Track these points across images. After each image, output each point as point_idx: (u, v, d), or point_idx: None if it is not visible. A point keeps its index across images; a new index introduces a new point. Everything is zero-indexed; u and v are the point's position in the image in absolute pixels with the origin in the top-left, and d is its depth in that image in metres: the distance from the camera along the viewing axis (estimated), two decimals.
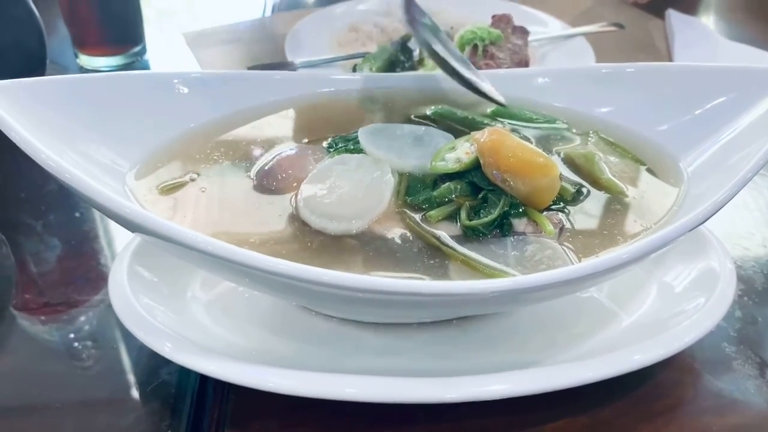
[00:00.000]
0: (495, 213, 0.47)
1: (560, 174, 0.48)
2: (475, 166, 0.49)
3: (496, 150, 0.47)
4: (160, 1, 1.32)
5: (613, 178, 0.52)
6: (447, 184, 0.49)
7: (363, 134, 0.54)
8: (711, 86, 0.54)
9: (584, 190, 0.52)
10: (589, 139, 0.57)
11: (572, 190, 0.51)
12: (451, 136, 0.55)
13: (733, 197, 0.44)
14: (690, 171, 0.51)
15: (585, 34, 1.03)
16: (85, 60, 0.99)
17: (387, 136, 0.54)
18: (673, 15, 1.14)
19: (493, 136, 0.48)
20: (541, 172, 0.47)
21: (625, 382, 0.45)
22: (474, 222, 0.47)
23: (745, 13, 1.24)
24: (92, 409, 0.48)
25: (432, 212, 0.48)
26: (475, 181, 0.49)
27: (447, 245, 0.46)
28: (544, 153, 0.48)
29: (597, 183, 0.52)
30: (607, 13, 1.16)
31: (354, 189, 0.49)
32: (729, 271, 0.50)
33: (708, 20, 1.20)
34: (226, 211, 0.49)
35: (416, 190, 0.50)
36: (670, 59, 1.02)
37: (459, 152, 0.50)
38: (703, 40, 1.08)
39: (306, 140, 0.58)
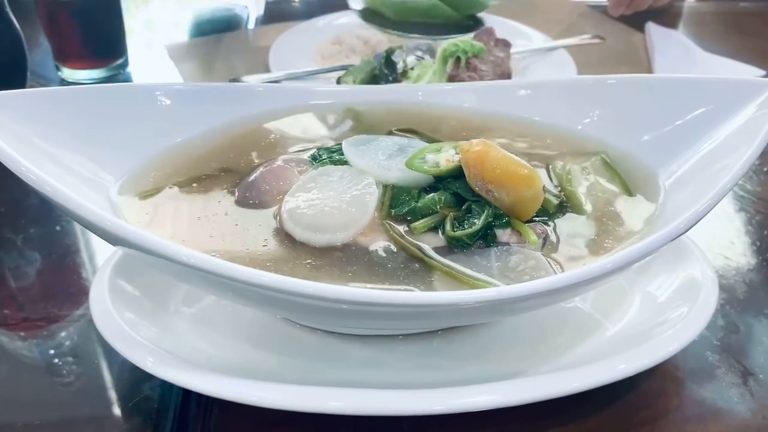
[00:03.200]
0: (479, 224, 0.47)
1: (543, 186, 0.49)
2: (457, 175, 0.49)
3: (481, 161, 0.47)
4: (143, 13, 1.31)
5: (576, 191, 0.53)
6: (431, 195, 0.50)
7: (347, 146, 0.54)
8: (691, 98, 0.55)
9: (567, 204, 0.52)
10: (589, 158, 0.57)
11: (555, 202, 0.51)
12: None
13: (714, 207, 0.44)
14: (671, 181, 0.52)
15: (566, 47, 1.05)
16: (67, 73, 0.98)
17: (371, 148, 0.54)
18: (653, 28, 1.16)
19: (478, 147, 0.48)
20: (525, 184, 0.47)
21: (610, 391, 0.45)
22: (458, 233, 0.47)
23: (723, 26, 1.26)
24: (73, 426, 0.47)
25: (416, 224, 0.48)
26: (459, 192, 0.49)
27: (430, 257, 0.46)
28: (528, 165, 0.48)
29: (566, 195, 0.53)
30: (589, 26, 1.17)
31: (338, 201, 0.49)
32: (711, 281, 0.50)
33: (687, 33, 1.22)
34: (210, 225, 0.49)
35: (401, 202, 0.50)
36: (651, 71, 1.03)
37: (440, 157, 0.50)
38: (682, 52, 1.10)
39: (291, 151, 0.58)
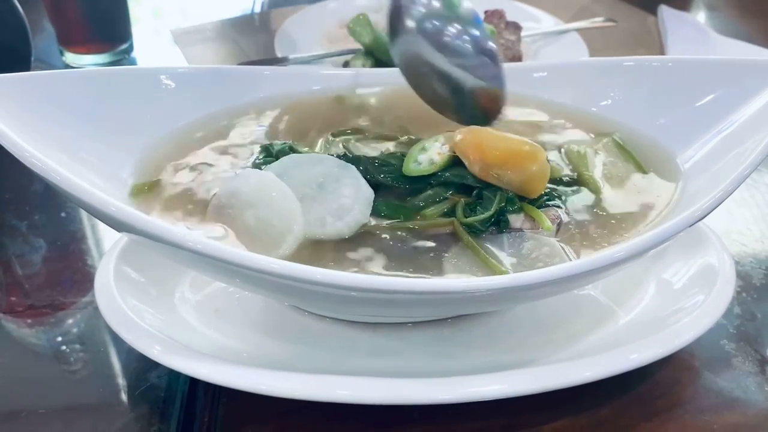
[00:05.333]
0: (491, 209, 0.46)
1: (547, 157, 0.47)
2: (453, 164, 0.48)
3: (478, 146, 0.46)
4: (150, 0, 1.30)
5: (593, 174, 0.52)
6: (435, 189, 0.48)
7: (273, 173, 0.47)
8: (709, 79, 0.53)
9: (582, 188, 0.51)
10: (601, 140, 0.56)
11: (563, 172, 0.51)
12: (357, 178, 0.48)
13: (732, 193, 0.43)
14: (688, 166, 0.51)
15: (578, 30, 1.03)
16: (71, 58, 0.97)
17: (297, 178, 0.47)
18: (665, 11, 1.14)
19: (469, 134, 0.47)
20: (530, 159, 0.46)
21: (624, 380, 0.44)
22: (470, 219, 0.46)
23: (737, 9, 1.24)
24: (79, 414, 0.47)
25: (427, 210, 0.47)
26: (465, 181, 0.48)
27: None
28: (527, 140, 0.47)
29: (580, 178, 0.52)
30: (601, 10, 1.16)
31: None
32: (728, 268, 0.49)
33: (700, 16, 1.20)
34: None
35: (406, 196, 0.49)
36: (663, 55, 1.01)
37: (431, 153, 0.49)
38: (696, 35, 1.08)
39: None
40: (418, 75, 0.54)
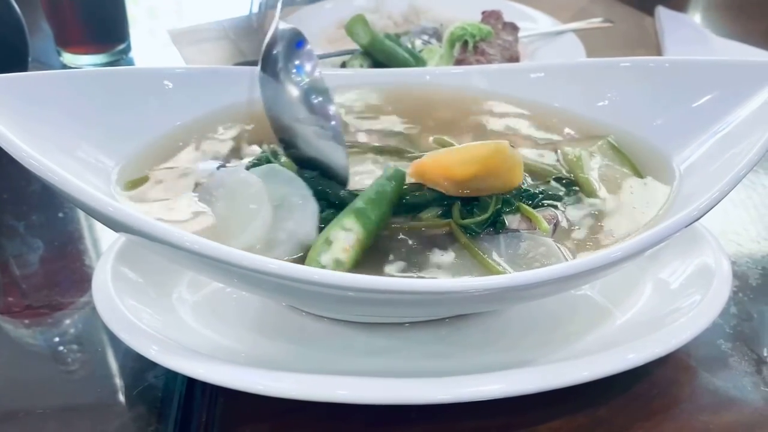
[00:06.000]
0: (488, 211, 0.46)
1: (509, 147, 0.46)
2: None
3: (444, 169, 0.45)
4: (146, 0, 1.30)
5: (589, 176, 0.52)
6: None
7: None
8: (704, 81, 0.53)
9: (579, 190, 0.51)
10: (597, 142, 0.56)
11: (554, 173, 0.51)
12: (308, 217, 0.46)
13: (728, 193, 0.43)
14: (685, 166, 0.51)
15: (575, 31, 1.03)
16: (68, 58, 0.97)
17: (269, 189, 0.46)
18: (663, 12, 1.14)
19: (428, 161, 0.46)
20: (500, 160, 0.45)
21: (621, 380, 0.44)
22: (467, 221, 0.46)
23: (735, 10, 1.24)
24: (76, 414, 0.47)
25: (423, 213, 0.47)
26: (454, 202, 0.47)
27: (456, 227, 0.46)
28: (484, 141, 0.46)
29: (576, 181, 0.52)
30: (598, 10, 1.16)
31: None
32: (724, 268, 0.49)
33: (697, 17, 1.20)
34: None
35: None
36: (661, 56, 1.01)
37: (335, 250, 0.43)
38: (693, 36, 1.08)
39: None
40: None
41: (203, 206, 0.47)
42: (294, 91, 0.54)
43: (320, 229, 0.45)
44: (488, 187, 0.46)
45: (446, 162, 0.46)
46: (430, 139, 0.57)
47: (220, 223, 0.46)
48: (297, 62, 0.55)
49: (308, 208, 0.46)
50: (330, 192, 0.47)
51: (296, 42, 0.55)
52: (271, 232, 0.45)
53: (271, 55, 0.54)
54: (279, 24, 0.55)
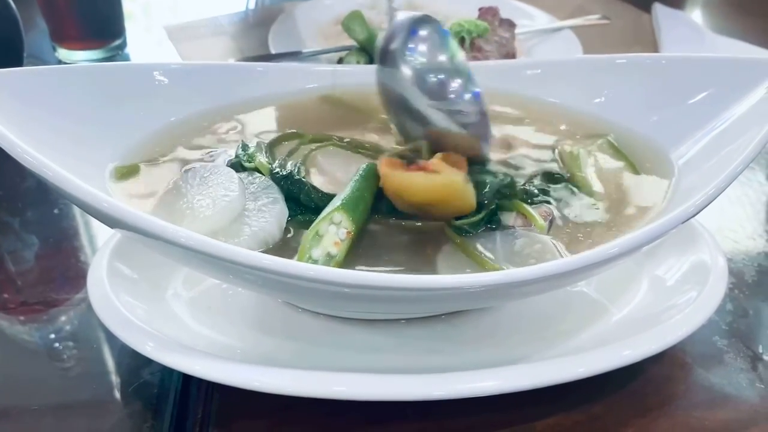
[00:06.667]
0: (482, 212, 0.46)
1: (467, 178, 0.45)
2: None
3: (396, 192, 0.45)
4: None
5: (586, 174, 0.52)
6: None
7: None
8: (702, 77, 0.53)
9: (576, 187, 0.51)
10: (595, 140, 0.56)
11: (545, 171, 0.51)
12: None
13: (725, 190, 0.43)
14: (681, 163, 0.51)
15: (572, 28, 1.03)
16: (63, 54, 0.97)
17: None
18: (660, 9, 1.14)
19: (387, 179, 0.45)
20: (450, 197, 0.44)
21: (617, 377, 0.44)
22: (460, 222, 0.46)
23: (732, 7, 1.24)
24: (72, 411, 0.47)
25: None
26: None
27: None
28: (432, 175, 0.45)
29: (573, 179, 0.51)
30: (595, 7, 1.16)
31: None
32: (720, 265, 0.49)
33: (694, 14, 1.20)
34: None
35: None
36: (658, 53, 1.01)
37: (326, 243, 0.43)
38: (690, 33, 1.08)
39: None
40: (400, 110, 0.52)
41: (177, 192, 0.47)
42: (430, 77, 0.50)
43: (286, 231, 0.45)
44: (439, 213, 0.46)
45: (397, 186, 0.45)
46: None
47: (187, 206, 0.45)
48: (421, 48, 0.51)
49: (276, 208, 0.46)
50: (301, 196, 0.47)
51: (413, 30, 0.53)
52: (236, 223, 0.45)
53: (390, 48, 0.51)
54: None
